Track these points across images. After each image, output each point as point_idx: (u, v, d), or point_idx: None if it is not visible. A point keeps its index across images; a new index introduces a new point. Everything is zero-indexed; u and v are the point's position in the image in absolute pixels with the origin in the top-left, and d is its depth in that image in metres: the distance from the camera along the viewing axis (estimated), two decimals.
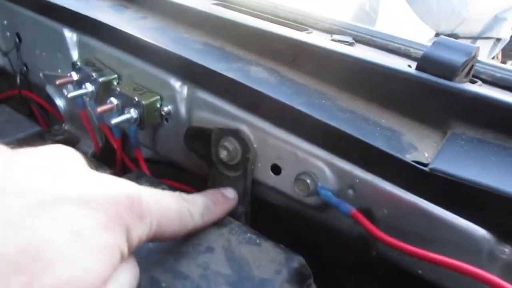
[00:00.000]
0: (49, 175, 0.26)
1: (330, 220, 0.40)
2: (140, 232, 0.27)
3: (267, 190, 0.43)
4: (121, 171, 0.56)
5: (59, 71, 0.61)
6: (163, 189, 0.36)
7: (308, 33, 0.53)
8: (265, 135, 0.40)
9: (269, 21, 0.52)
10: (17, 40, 0.67)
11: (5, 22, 0.68)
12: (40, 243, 0.22)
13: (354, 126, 0.37)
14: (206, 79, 0.44)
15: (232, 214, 0.42)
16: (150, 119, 0.47)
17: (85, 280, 0.23)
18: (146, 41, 0.48)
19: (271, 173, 0.41)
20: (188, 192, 0.36)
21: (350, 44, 0.50)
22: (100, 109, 0.46)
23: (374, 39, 0.51)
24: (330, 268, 0.42)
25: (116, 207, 0.26)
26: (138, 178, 0.46)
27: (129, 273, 0.27)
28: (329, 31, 0.54)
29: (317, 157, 0.38)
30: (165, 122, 0.49)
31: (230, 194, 0.42)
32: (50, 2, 0.57)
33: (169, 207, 0.31)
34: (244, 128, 0.41)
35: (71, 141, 0.61)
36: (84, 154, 0.41)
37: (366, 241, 0.39)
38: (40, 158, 0.28)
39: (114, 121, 0.45)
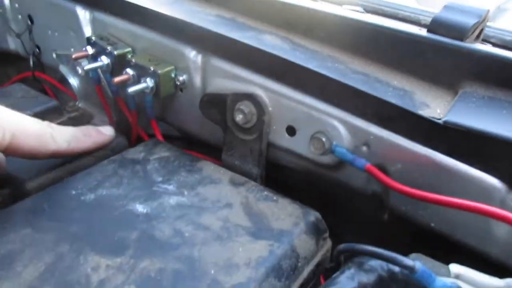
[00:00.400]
0: None
1: (344, 178, 0.41)
2: None
3: (282, 152, 0.44)
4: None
5: (72, 50, 0.63)
6: (85, 134, 0.42)
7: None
8: (280, 98, 0.41)
9: None
10: (29, 22, 0.68)
11: (17, 5, 0.69)
12: None
13: (368, 86, 0.38)
14: (221, 47, 0.45)
15: (248, 176, 0.43)
16: (166, 89, 0.48)
17: None
18: (160, 13, 0.49)
19: (286, 134, 0.42)
20: None
21: (361, 13, 0.51)
22: (116, 79, 0.47)
23: (384, 8, 0.52)
24: (341, 228, 0.43)
25: None
26: (155, 145, 0.47)
27: None
28: (339, 3, 0.55)
29: (332, 116, 0.39)
30: (179, 92, 0.50)
31: (106, 130, 0.46)
32: None
33: (28, 126, 0.36)
34: (259, 92, 0.42)
35: (85, 118, 0.62)
36: None
37: (380, 198, 0.40)
38: None
39: (131, 89, 0.46)
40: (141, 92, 0.47)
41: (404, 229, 0.43)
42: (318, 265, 0.36)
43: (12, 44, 0.75)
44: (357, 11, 0.51)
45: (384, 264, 0.27)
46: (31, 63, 0.70)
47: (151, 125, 0.52)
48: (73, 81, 0.66)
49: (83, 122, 0.59)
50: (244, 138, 0.44)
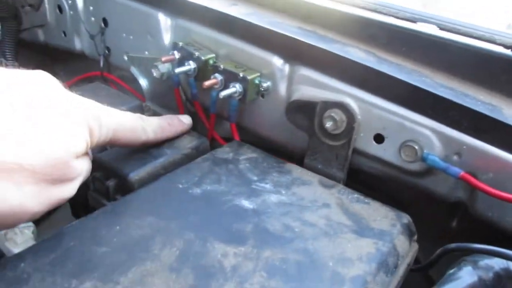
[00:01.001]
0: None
1: (428, 185, 0.43)
2: (98, 135, 0.37)
3: (364, 158, 0.46)
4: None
5: (146, 53, 0.66)
6: (169, 124, 0.48)
7: None
8: (370, 107, 0.44)
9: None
10: (103, 25, 0.72)
11: (91, 7, 0.73)
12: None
13: (459, 99, 0.41)
14: (311, 57, 0.47)
15: (332, 179, 0.45)
16: (251, 95, 0.51)
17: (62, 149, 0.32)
18: (248, 22, 0.52)
19: (374, 142, 0.45)
20: None
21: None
22: (207, 83, 0.50)
23: (458, 27, 0.54)
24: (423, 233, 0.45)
25: (82, 117, 0.35)
26: (239, 146, 0.50)
27: (87, 162, 0.37)
28: (412, 20, 0.58)
29: (424, 126, 0.41)
30: (260, 98, 0.53)
31: (185, 119, 0.51)
32: None
33: (125, 123, 0.41)
34: (349, 101, 0.45)
35: None
36: None
37: (461, 204, 0.42)
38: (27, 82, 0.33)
39: (223, 93, 0.49)
40: (229, 96, 0.50)
41: (473, 233, 0.45)
42: (408, 264, 0.38)
43: (79, 44, 0.79)
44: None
45: (500, 261, 0.29)
46: (101, 63, 0.74)
47: (231, 128, 0.55)
48: (143, 82, 0.69)
49: None
50: (331, 144, 0.47)
